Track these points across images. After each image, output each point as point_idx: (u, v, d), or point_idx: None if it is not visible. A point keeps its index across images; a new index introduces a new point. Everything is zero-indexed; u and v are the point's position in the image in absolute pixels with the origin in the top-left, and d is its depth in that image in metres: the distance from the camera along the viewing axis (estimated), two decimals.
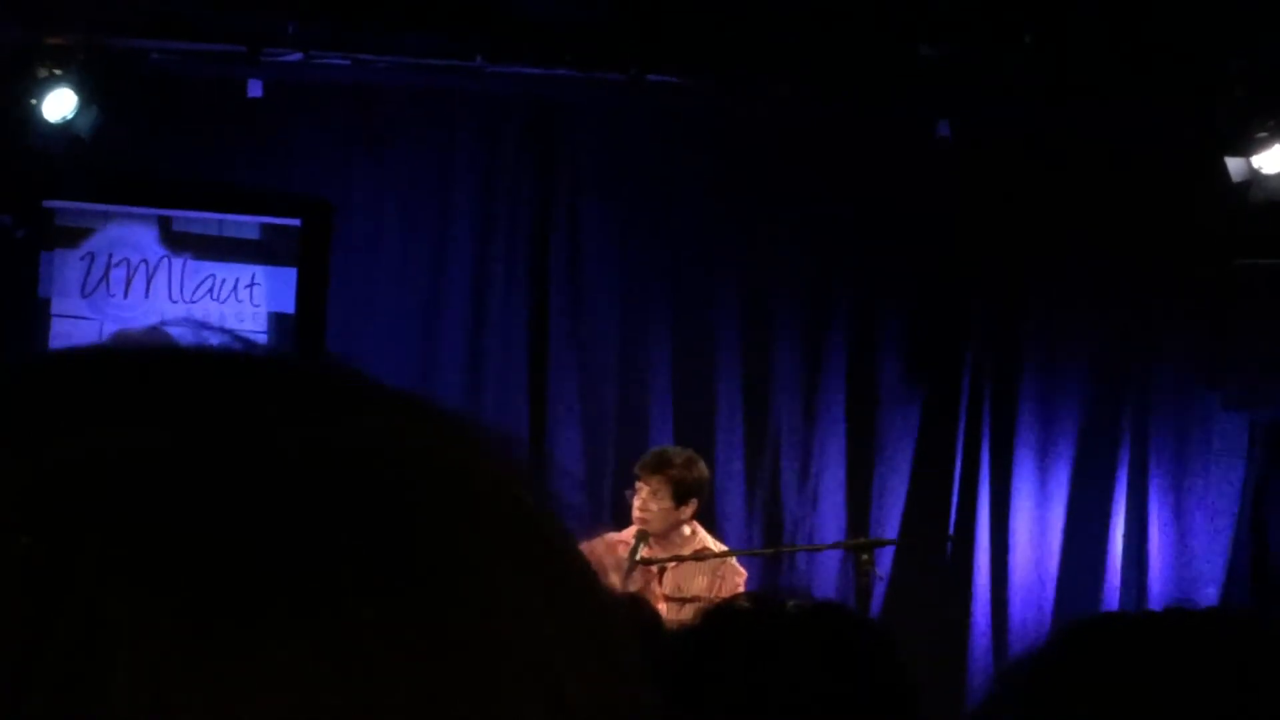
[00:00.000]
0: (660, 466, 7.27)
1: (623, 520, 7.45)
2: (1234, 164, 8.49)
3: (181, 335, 0.62)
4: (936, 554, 9.26)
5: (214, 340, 0.61)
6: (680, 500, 7.21)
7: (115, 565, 0.52)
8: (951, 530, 9.20)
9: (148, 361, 0.60)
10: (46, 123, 8.29)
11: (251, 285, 9.04)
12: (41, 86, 8.23)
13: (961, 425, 9.31)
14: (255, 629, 0.52)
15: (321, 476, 0.55)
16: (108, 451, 0.54)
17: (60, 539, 0.52)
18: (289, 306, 9.06)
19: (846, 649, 2.05)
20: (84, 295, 8.89)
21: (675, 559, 7.23)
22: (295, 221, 9.08)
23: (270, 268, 9.06)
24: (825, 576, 8.94)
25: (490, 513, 0.58)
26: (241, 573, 0.53)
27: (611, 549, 7.20)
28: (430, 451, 0.58)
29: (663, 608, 6.82)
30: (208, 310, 8.86)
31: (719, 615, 2.11)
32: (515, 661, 0.55)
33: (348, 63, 8.76)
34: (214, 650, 0.51)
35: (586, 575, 0.60)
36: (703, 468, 7.37)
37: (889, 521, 9.20)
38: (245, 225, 9.07)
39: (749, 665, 1.99)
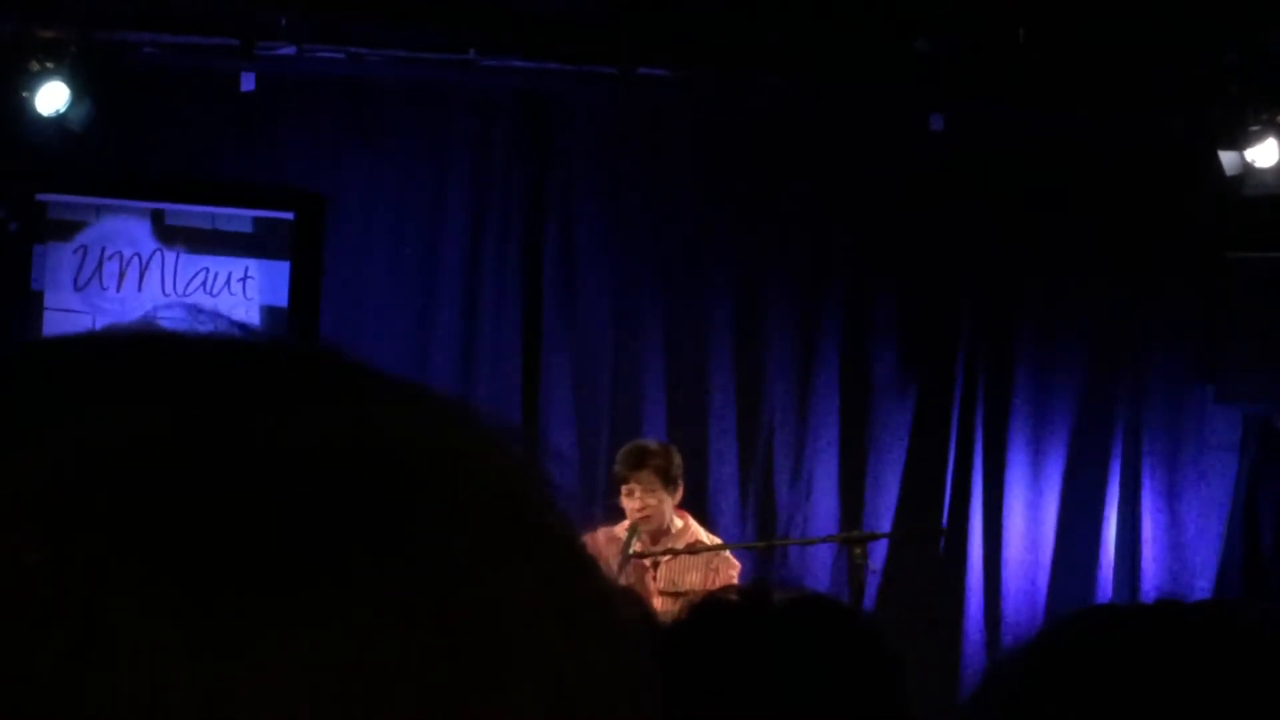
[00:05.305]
0: (642, 459, 7.30)
1: (615, 515, 7.45)
2: (1227, 157, 8.49)
3: (175, 322, 0.61)
4: (930, 547, 9.26)
5: (208, 327, 0.61)
6: (670, 486, 7.26)
7: (115, 561, 0.52)
8: (945, 523, 9.20)
9: (145, 347, 0.59)
10: (39, 116, 8.28)
11: (244, 279, 9.03)
12: (34, 80, 8.22)
13: (955, 418, 9.31)
14: (257, 624, 0.52)
15: (323, 465, 0.55)
16: (105, 442, 0.54)
17: (58, 534, 0.52)
18: (282, 300, 9.06)
19: (833, 641, 2.04)
20: (77, 289, 8.88)
21: (669, 552, 7.23)
22: (288, 215, 9.08)
23: (263, 261, 9.06)
24: (818, 570, 8.93)
25: (491, 499, 0.58)
26: (243, 566, 0.52)
27: (608, 542, 7.21)
28: (431, 439, 0.58)
29: (657, 602, 6.82)
30: (200, 304, 8.85)
31: (705, 608, 2.10)
32: (516, 649, 0.55)
33: (341, 56, 8.75)
34: (216, 646, 0.51)
35: (586, 562, 0.60)
36: (678, 454, 7.42)
37: (882, 514, 9.20)
38: (238, 219, 9.06)
39: (734, 658, 1.98)
